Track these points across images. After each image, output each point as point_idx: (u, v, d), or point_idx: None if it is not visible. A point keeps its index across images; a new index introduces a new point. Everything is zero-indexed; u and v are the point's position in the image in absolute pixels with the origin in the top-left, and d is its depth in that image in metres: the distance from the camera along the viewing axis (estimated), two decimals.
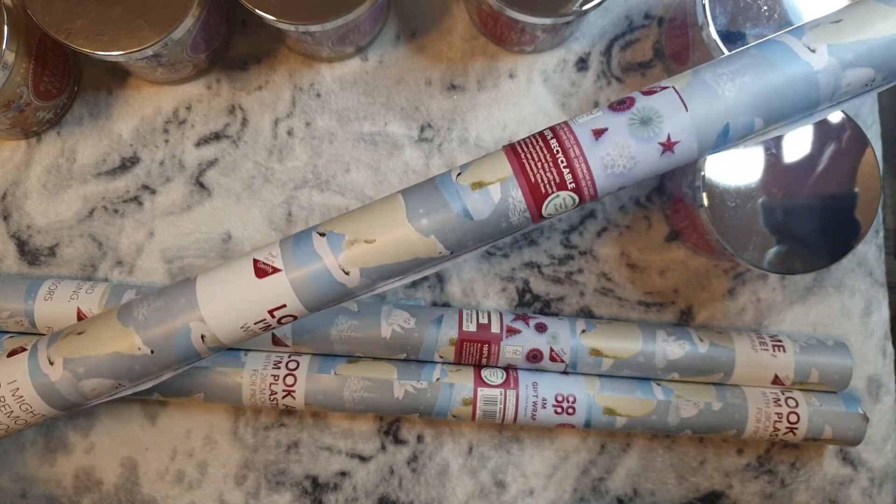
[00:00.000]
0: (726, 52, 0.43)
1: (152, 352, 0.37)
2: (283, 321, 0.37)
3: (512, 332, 0.47)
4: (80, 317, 0.46)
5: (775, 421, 0.47)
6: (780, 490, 0.52)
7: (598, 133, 0.33)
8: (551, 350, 0.47)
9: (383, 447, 0.51)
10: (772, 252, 0.42)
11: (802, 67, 0.34)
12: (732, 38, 0.43)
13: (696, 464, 0.52)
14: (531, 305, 0.51)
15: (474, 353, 0.48)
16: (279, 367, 0.47)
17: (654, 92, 0.34)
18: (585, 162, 0.34)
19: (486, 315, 0.48)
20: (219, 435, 0.51)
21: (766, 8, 0.43)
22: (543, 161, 0.34)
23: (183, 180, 0.52)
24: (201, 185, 0.52)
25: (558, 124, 0.35)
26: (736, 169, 0.42)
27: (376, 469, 0.51)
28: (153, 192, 0.52)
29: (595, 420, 0.47)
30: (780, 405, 0.47)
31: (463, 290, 0.51)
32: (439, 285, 0.51)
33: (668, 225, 0.52)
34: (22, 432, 0.51)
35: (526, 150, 0.34)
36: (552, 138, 0.34)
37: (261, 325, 0.36)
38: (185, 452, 0.51)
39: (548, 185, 0.34)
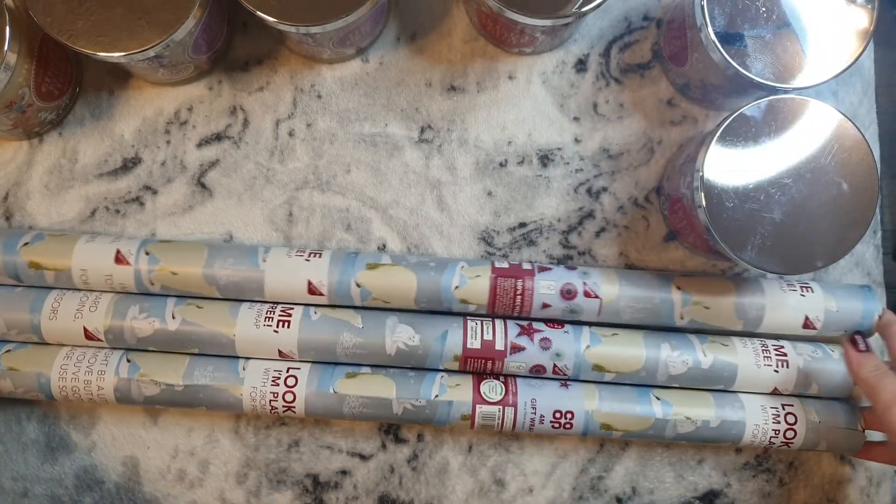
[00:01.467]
0: (724, 54, 0.43)
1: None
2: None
3: (516, 349, 0.47)
4: (87, 335, 0.47)
5: (771, 437, 0.48)
6: (778, 489, 0.52)
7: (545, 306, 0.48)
8: (554, 366, 0.47)
9: (384, 446, 0.51)
10: (769, 252, 0.42)
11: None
12: (731, 39, 0.43)
13: (694, 463, 0.52)
14: None
15: (478, 367, 0.48)
16: (277, 384, 0.47)
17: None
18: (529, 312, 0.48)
19: (490, 330, 0.48)
20: (220, 434, 0.51)
21: (764, 9, 0.43)
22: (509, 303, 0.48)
23: (184, 181, 0.52)
24: (203, 186, 0.52)
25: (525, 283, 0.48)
26: (734, 169, 0.43)
27: (377, 467, 0.51)
28: (155, 192, 0.52)
29: (592, 433, 0.47)
30: (778, 422, 0.47)
31: None
32: None
33: (667, 225, 0.52)
34: (24, 431, 0.51)
35: (502, 295, 0.48)
36: (520, 294, 0.48)
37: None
38: (186, 451, 0.51)
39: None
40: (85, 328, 0.47)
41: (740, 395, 0.49)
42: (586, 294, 0.47)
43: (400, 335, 0.47)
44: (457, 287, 0.47)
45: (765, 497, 0.52)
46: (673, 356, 0.47)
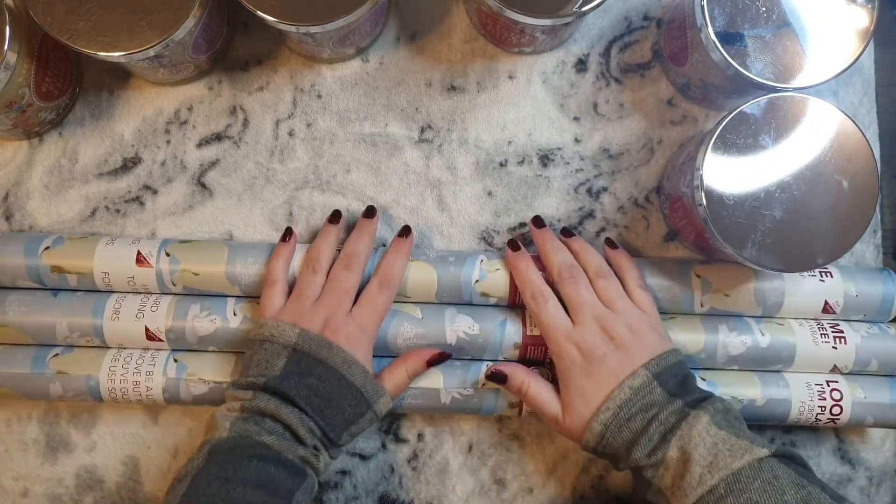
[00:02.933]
0: (725, 54, 0.43)
1: None
2: None
3: None
4: (149, 335, 0.48)
5: (818, 413, 0.48)
6: None
7: None
8: None
9: (384, 445, 0.51)
10: (769, 250, 0.42)
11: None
12: (731, 39, 0.43)
13: None
14: None
15: (538, 355, 0.48)
16: None
17: None
18: None
19: None
20: None
21: (764, 9, 0.43)
22: None
23: (184, 180, 0.52)
24: (203, 186, 0.52)
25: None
26: (734, 168, 0.43)
27: (377, 467, 0.51)
28: (155, 192, 0.52)
29: None
30: (824, 398, 0.48)
31: None
32: None
33: (667, 225, 0.52)
34: (24, 431, 0.51)
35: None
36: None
37: None
38: (186, 451, 0.51)
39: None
40: (147, 328, 0.47)
41: (785, 374, 0.49)
42: None
43: (460, 325, 0.47)
44: (477, 281, 0.48)
45: None
46: (731, 337, 0.48)
